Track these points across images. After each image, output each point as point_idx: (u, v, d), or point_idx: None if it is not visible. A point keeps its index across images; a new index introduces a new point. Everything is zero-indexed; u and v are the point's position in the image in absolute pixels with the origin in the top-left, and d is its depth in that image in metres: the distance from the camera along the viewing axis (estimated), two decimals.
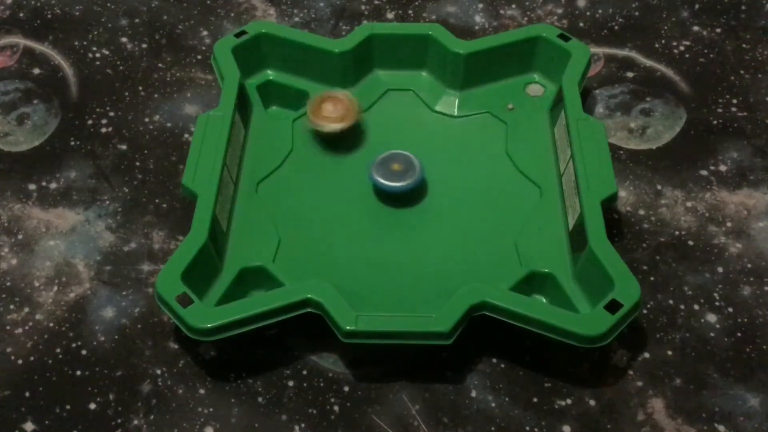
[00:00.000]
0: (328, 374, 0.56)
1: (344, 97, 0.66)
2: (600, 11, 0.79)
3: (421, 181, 0.63)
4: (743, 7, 0.80)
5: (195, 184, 0.59)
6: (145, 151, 0.68)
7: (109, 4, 0.80)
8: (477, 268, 0.59)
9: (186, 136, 0.69)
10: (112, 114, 0.71)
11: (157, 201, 0.65)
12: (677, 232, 0.63)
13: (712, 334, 0.57)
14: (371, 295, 0.57)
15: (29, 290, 0.60)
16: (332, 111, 0.65)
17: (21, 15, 0.79)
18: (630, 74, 0.74)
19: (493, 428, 0.53)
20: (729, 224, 0.63)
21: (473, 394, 0.55)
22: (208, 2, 0.80)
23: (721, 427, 0.53)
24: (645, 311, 0.58)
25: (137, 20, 0.79)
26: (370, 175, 0.62)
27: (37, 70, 0.75)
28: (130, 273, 0.61)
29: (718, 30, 0.77)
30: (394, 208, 0.63)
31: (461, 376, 0.56)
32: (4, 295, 0.60)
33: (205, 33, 0.78)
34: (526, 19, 0.78)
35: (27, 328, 0.58)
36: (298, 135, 0.67)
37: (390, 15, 0.79)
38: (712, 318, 0.58)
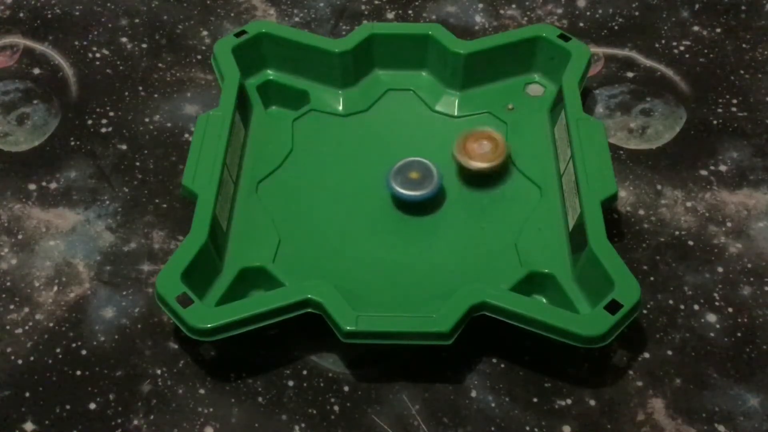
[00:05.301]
0: (328, 374, 0.56)
1: (495, 135, 0.64)
2: (600, 11, 0.79)
3: (440, 189, 0.62)
4: (743, 7, 0.80)
5: (195, 184, 0.59)
6: (145, 151, 0.68)
7: (109, 4, 0.80)
8: (477, 268, 0.59)
9: (186, 136, 0.69)
10: (112, 114, 0.71)
11: (157, 201, 0.65)
12: (677, 232, 0.63)
13: (712, 334, 0.57)
14: (371, 295, 0.57)
15: (29, 290, 0.60)
16: (479, 148, 0.63)
17: (21, 15, 0.79)
18: (630, 74, 0.74)
19: (493, 428, 0.53)
20: (729, 224, 0.63)
21: (473, 394, 0.55)
22: (208, 2, 0.80)
23: (721, 427, 0.53)
24: (645, 311, 0.58)
25: (137, 20, 0.79)
26: (387, 183, 0.62)
27: (37, 70, 0.75)
28: (130, 273, 0.61)
29: (718, 30, 0.77)
30: (393, 208, 0.63)
31: (461, 376, 0.56)
32: (4, 295, 0.60)
33: (205, 33, 0.78)
34: (526, 19, 0.78)
35: (27, 328, 0.58)
36: (298, 135, 0.67)
37: (390, 15, 0.79)
38: (712, 318, 0.58)
